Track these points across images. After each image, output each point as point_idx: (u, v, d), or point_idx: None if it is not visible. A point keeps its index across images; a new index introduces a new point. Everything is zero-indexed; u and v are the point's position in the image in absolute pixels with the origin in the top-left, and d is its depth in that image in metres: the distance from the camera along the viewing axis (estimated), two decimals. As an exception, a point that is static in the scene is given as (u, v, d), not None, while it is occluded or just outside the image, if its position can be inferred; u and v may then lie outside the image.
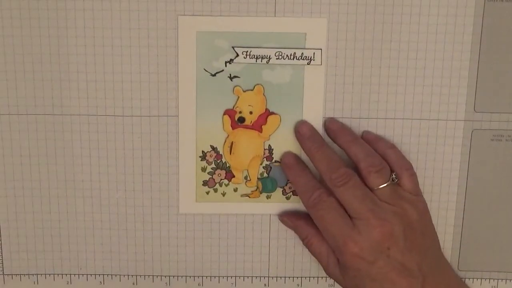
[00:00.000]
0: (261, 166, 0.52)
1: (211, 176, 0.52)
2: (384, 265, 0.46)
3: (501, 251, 0.53)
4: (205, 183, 0.52)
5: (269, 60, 0.49)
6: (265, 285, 0.54)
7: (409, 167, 0.49)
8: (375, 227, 0.46)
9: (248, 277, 0.54)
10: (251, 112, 0.51)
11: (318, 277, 0.54)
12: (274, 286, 0.54)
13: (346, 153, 0.49)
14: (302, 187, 0.49)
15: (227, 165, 0.52)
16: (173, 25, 0.49)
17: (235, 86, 0.50)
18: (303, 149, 0.50)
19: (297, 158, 0.51)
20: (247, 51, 0.49)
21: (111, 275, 0.54)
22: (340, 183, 0.47)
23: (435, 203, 0.52)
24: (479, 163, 0.52)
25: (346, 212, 0.47)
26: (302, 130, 0.50)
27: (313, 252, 0.50)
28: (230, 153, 0.52)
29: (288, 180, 0.52)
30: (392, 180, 0.48)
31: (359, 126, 0.51)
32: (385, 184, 0.47)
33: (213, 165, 0.52)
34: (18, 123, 0.51)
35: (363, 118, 0.51)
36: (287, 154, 0.51)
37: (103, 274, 0.54)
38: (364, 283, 0.47)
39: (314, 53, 0.49)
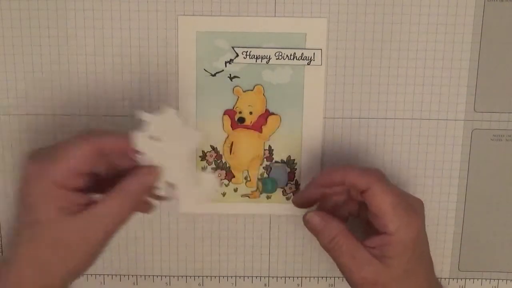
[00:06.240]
0: (261, 167, 0.52)
1: (211, 176, 0.52)
2: None
3: (501, 251, 0.53)
4: (205, 183, 0.52)
5: (269, 60, 0.49)
6: (265, 285, 0.54)
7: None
8: None
9: (248, 277, 0.54)
10: (251, 113, 0.51)
11: (318, 277, 0.54)
12: (274, 286, 0.54)
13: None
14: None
15: (227, 165, 0.52)
16: (173, 25, 0.49)
17: (235, 86, 0.50)
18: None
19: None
20: (247, 51, 0.49)
21: (111, 275, 0.54)
22: None
23: (435, 203, 0.52)
24: (479, 163, 0.52)
25: None
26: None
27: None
28: (230, 153, 0.52)
29: (288, 181, 0.52)
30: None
31: (359, 126, 0.51)
32: None
33: (213, 165, 0.52)
34: (18, 123, 0.51)
35: (363, 118, 0.51)
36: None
37: (103, 274, 0.54)
38: None
39: (314, 53, 0.49)
